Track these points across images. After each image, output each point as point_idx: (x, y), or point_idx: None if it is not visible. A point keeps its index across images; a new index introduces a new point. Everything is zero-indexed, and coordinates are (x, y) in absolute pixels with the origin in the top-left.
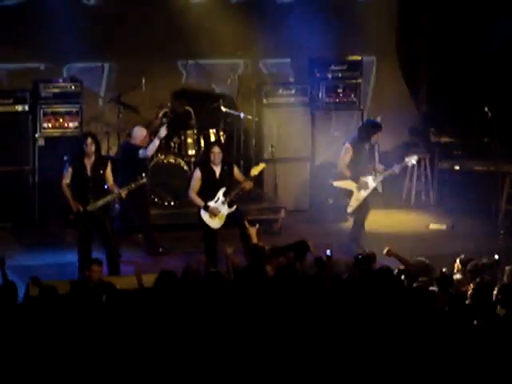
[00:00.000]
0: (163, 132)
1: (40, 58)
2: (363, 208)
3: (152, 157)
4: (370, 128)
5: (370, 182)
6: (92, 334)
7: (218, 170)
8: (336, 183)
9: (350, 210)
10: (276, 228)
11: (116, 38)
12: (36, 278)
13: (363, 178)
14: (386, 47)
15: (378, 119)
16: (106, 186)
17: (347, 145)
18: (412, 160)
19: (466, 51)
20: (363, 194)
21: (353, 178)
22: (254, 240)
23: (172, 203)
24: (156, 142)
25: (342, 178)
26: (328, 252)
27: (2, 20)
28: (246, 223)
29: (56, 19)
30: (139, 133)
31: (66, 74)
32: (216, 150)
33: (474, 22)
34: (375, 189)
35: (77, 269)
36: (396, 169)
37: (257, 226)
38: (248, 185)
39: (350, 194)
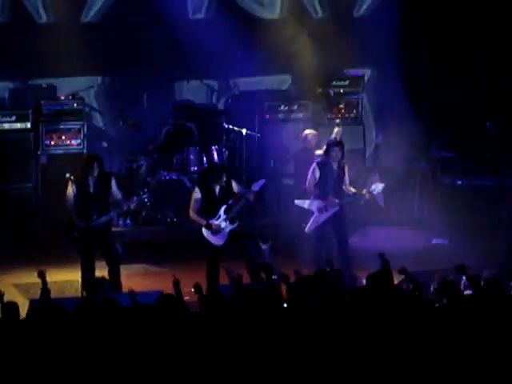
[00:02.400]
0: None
1: (41, 77)
2: (321, 231)
3: (154, 173)
4: (327, 146)
5: (335, 205)
6: (97, 352)
7: (217, 187)
8: (297, 202)
9: (307, 230)
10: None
11: (116, 54)
12: (41, 271)
13: (327, 199)
14: (387, 61)
15: (379, 136)
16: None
17: (314, 164)
18: (378, 188)
19: (468, 65)
20: (324, 216)
21: (317, 199)
22: (268, 258)
23: (174, 219)
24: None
25: (308, 197)
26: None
27: (4, 37)
28: (259, 241)
29: (55, 37)
30: (313, 136)
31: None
32: (218, 169)
33: (475, 35)
34: (338, 212)
35: (80, 286)
36: (362, 196)
37: (269, 242)
38: (242, 201)
39: (310, 214)
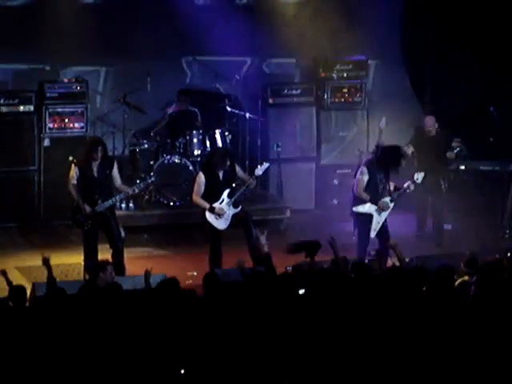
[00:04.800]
0: None
1: (44, 59)
2: (383, 230)
3: (157, 157)
4: (393, 157)
5: (389, 202)
6: (99, 335)
7: (221, 172)
8: (355, 208)
9: (373, 234)
10: (281, 228)
11: (120, 38)
12: (46, 259)
13: (383, 199)
14: (390, 46)
15: (383, 120)
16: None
17: (363, 168)
18: (420, 177)
19: (472, 50)
20: (384, 215)
21: (372, 201)
22: (265, 249)
23: (177, 203)
24: None
25: (361, 202)
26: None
27: (8, 20)
28: (257, 232)
29: (58, 20)
30: (432, 122)
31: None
32: (222, 153)
33: (479, 21)
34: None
35: (82, 269)
36: (411, 186)
37: (265, 232)
38: (251, 184)
39: (370, 217)
